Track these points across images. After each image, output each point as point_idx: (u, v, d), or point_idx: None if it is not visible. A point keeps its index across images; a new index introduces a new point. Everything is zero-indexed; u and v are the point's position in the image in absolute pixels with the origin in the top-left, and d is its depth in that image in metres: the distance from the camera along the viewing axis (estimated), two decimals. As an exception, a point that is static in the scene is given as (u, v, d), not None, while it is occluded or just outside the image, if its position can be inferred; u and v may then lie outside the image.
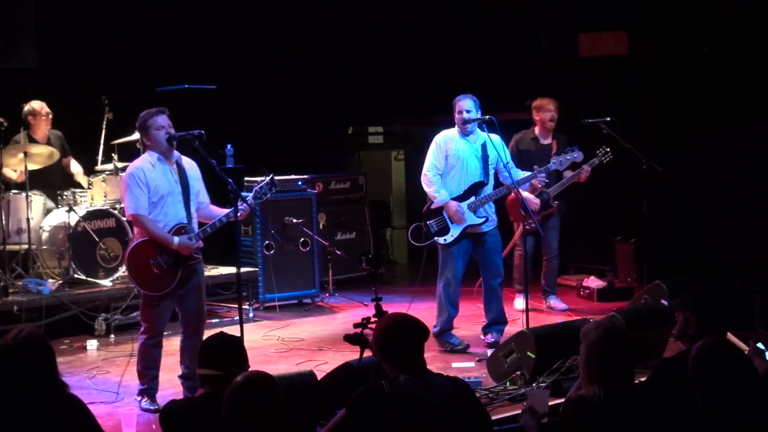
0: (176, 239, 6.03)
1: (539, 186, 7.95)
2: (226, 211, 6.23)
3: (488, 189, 7.38)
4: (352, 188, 10.69)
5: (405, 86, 11.11)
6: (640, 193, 8.60)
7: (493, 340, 7.38)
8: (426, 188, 7.39)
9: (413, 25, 11.53)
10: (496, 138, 7.39)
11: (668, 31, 9.48)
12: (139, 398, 6.18)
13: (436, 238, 7.33)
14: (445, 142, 7.40)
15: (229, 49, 11.29)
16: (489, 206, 7.39)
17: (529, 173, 7.54)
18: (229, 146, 10.05)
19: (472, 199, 7.30)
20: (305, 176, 9.73)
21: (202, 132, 6.18)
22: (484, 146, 7.37)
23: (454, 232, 7.30)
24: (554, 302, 8.86)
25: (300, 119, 11.73)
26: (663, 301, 7.35)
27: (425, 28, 11.52)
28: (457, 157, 7.34)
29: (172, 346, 6.60)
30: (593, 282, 9.30)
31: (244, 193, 6.21)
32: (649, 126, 9.71)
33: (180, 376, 6.28)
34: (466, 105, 7.34)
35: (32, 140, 8.61)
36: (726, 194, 8.90)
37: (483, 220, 7.31)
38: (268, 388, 3.58)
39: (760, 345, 4.73)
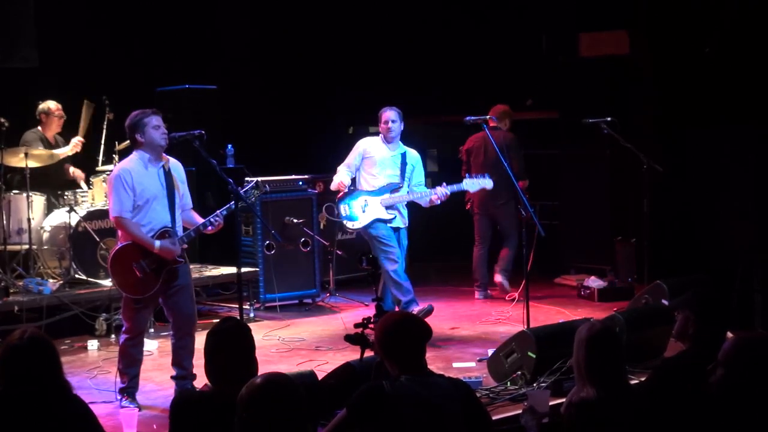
0: (158, 243, 6.01)
1: (438, 202, 8.01)
2: (203, 220, 6.20)
3: (402, 192, 7.92)
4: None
5: (405, 86, 11.12)
6: (640, 193, 8.60)
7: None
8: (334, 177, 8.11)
9: (413, 25, 11.54)
10: (416, 155, 8.06)
11: (669, 31, 9.48)
12: (119, 397, 6.17)
13: (344, 218, 7.98)
14: (365, 145, 8.06)
15: (230, 50, 11.29)
16: (402, 208, 7.92)
17: (429, 189, 7.90)
18: (229, 146, 10.05)
19: (386, 195, 7.89)
20: (306, 176, 9.73)
21: (203, 132, 6.17)
22: (403, 156, 7.99)
23: (363, 220, 7.88)
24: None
25: (301, 119, 11.73)
26: (663, 301, 7.35)
27: (426, 28, 11.53)
28: (374, 158, 7.96)
29: (170, 346, 6.58)
30: (594, 282, 9.30)
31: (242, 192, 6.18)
32: (650, 126, 9.72)
33: (173, 377, 6.27)
34: (391, 116, 7.90)
35: (44, 140, 8.72)
36: (726, 194, 8.91)
37: (391, 217, 7.86)
38: (289, 389, 3.50)
39: None
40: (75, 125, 8.99)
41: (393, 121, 7.88)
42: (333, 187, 8.09)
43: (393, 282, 7.73)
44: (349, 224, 8.01)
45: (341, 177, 8.01)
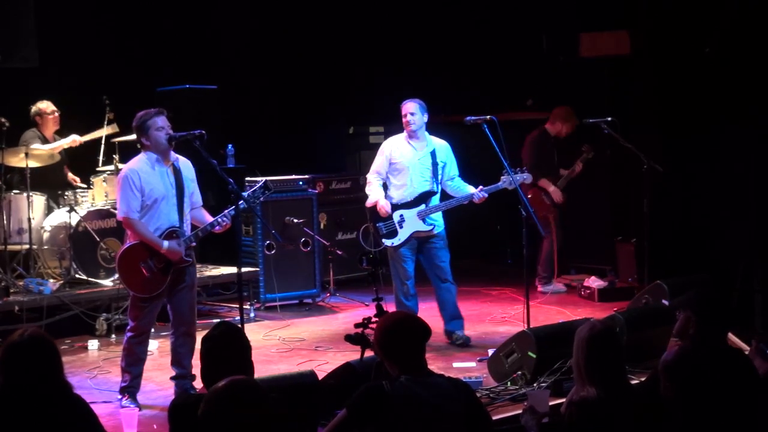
0: (165, 243, 6.03)
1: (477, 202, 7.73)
2: (212, 219, 6.23)
3: (437, 198, 7.52)
4: (353, 188, 10.69)
5: (406, 86, 11.10)
6: (640, 193, 8.60)
7: (462, 336, 7.50)
8: (366, 189, 7.71)
9: (414, 25, 11.53)
10: (445, 146, 7.61)
11: (669, 31, 9.47)
12: (120, 396, 6.19)
13: (384, 240, 7.52)
14: (390, 148, 7.61)
15: (230, 50, 11.29)
16: (437, 214, 7.52)
17: (473, 189, 7.50)
18: (230, 146, 10.05)
19: (422, 207, 7.47)
20: (306, 176, 9.73)
21: (203, 132, 6.18)
22: (433, 154, 7.52)
23: (402, 236, 7.48)
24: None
25: (301, 119, 11.73)
26: (664, 301, 7.35)
27: (426, 28, 11.52)
28: (402, 164, 7.52)
29: (170, 346, 6.58)
30: (594, 282, 9.31)
31: (244, 194, 6.19)
32: (650, 126, 9.71)
33: (173, 378, 6.28)
34: (410, 108, 7.49)
35: (43, 138, 8.72)
36: (727, 194, 8.90)
37: (431, 227, 7.47)
38: (252, 392, 3.50)
39: None
40: (74, 124, 9.00)
41: (412, 114, 7.45)
42: (369, 204, 7.62)
43: (397, 302, 7.58)
44: (388, 242, 7.52)
45: (376, 194, 7.56)
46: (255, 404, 3.41)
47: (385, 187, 7.69)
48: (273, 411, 3.43)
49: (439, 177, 7.54)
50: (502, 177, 7.43)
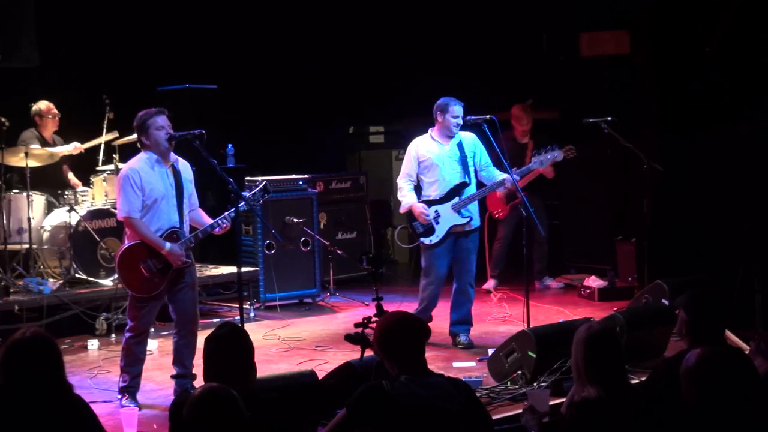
0: (168, 245, 6.03)
1: (510, 188, 7.71)
2: (211, 221, 6.23)
3: (471, 189, 7.45)
4: (353, 188, 10.69)
5: (406, 86, 11.13)
6: (641, 193, 8.60)
7: (465, 341, 7.47)
8: (398, 195, 7.60)
9: (414, 25, 11.54)
10: (472, 137, 7.52)
11: (670, 31, 9.47)
12: (119, 396, 6.18)
13: (421, 239, 7.45)
14: (416, 148, 7.52)
15: (230, 49, 11.29)
16: (473, 205, 7.45)
17: (505, 175, 7.38)
18: (230, 146, 10.05)
19: (456, 199, 7.38)
20: (306, 176, 9.73)
21: (203, 132, 6.17)
22: (460, 146, 7.44)
23: (440, 233, 7.40)
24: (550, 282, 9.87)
25: (301, 119, 11.73)
26: (664, 301, 7.36)
27: (426, 28, 11.53)
28: (430, 160, 7.43)
29: (170, 346, 6.59)
30: (594, 281, 9.31)
31: (244, 193, 6.19)
32: (650, 125, 9.71)
33: (173, 376, 6.28)
34: (460, 111, 7.39)
35: (41, 139, 8.72)
36: (727, 193, 8.90)
37: (467, 220, 7.39)
38: (227, 402, 3.53)
39: None
40: (74, 124, 8.99)
41: (463, 117, 7.33)
42: (403, 209, 7.51)
43: (420, 295, 7.58)
44: (426, 240, 7.41)
45: (410, 198, 7.45)
46: (227, 412, 3.45)
47: (418, 189, 7.58)
48: (246, 418, 3.48)
49: (470, 167, 7.44)
50: (533, 158, 7.40)
